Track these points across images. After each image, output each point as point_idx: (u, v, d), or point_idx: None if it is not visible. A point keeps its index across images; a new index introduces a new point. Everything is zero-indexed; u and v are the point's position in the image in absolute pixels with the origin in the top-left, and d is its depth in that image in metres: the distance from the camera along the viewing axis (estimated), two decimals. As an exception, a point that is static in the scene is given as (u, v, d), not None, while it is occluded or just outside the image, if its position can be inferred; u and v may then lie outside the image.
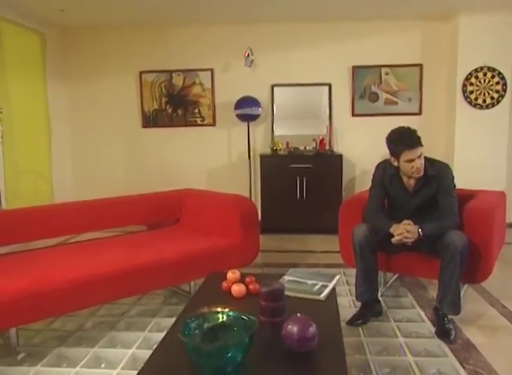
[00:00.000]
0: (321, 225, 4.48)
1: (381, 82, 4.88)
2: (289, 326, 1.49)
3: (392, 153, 2.54)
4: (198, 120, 5.09)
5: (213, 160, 5.14)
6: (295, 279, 2.17)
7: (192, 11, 4.45)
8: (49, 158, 4.76)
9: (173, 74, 5.03)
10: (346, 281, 3.18)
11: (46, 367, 2.15)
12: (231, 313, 1.55)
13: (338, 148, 4.92)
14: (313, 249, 4.15)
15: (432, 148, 3.95)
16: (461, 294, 2.47)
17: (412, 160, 2.44)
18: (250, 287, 2.01)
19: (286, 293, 1.77)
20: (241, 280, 2.07)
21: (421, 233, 2.39)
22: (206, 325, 1.52)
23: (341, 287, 3.06)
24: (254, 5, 4.26)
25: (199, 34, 4.94)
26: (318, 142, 4.74)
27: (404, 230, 2.40)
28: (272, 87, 4.96)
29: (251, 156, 4.97)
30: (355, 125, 4.95)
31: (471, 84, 4.56)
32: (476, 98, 4.57)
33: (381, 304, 2.69)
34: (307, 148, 4.77)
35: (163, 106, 5.10)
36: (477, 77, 4.54)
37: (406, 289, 3.07)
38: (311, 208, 4.59)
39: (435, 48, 4.81)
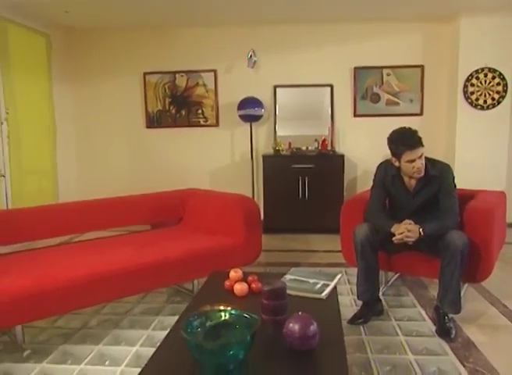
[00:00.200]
0: (323, 225, 4.50)
1: (382, 83, 4.90)
2: (291, 325, 1.50)
3: (393, 153, 2.55)
4: (201, 121, 5.12)
5: (216, 160, 5.16)
6: (297, 278, 2.18)
7: (195, 13, 4.47)
8: (54, 158, 4.79)
9: (177, 75, 5.06)
10: (348, 280, 3.20)
11: (51, 364, 2.17)
12: (233, 311, 1.57)
13: (340, 149, 4.94)
14: (315, 249, 4.16)
15: (433, 148, 3.96)
16: (462, 294, 2.48)
17: (413, 160, 2.45)
18: (253, 285, 2.02)
19: (288, 292, 1.78)
20: (243, 279, 2.08)
21: (421, 233, 2.40)
22: (208, 323, 1.53)
23: (343, 286, 3.08)
24: (256, 7, 4.28)
25: (202, 36, 4.97)
26: (320, 142, 4.75)
27: (405, 230, 2.41)
28: (275, 88, 4.98)
29: (254, 156, 4.99)
30: (357, 125, 4.96)
31: (472, 85, 4.56)
32: (477, 99, 4.58)
33: (382, 303, 2.70)
34: (310, 148, 4.78)
35: (167, 107, 5.12)
36: (478, 78, 4.55)
37: (407, 288, 3.08)
38: (313, 208, 4.60)
39: (436, 50, 4.82)
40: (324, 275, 2.24)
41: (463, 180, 2.93)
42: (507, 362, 2.12)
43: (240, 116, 4.82)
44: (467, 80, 4.57)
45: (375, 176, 2.74)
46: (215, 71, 5.02)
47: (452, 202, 2.50)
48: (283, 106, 4.99)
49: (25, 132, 4.31)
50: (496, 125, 4.60)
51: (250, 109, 4.74)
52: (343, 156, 4.60)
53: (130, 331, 2.51)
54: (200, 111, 5.10)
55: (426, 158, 2.52)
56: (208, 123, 5.11)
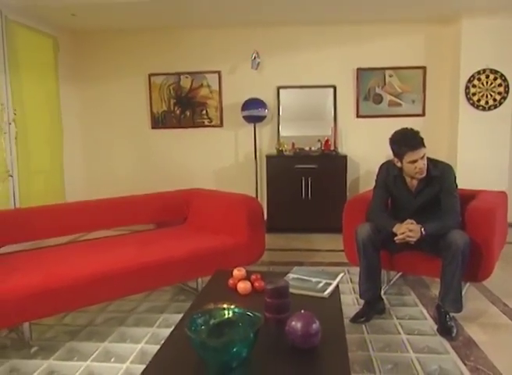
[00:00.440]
0: (326, 224, 4.50)
1: (385, 84, 4.91)
2: (293, 323, 1.51)
3: (395, 154, 2.56)
4: (206, 121, 5.15)
5: (220, 160, 5.18)
6: (299, 277, 2.19)
7: (200, 15, 4.50)
8: (61, 158, 4.83)
9: (181, 77, 5.09)
10: (350, 279, 3.21)
11: (58, 360, 2.20)
12: (236, 310, 1.58)
13: (342, 149, 4.95)
14: (318, 248, 4.18)
15: (435, 148, 3.95)
16: (463, 293, 2.49)
17: (415, 161, 2.46)
18: (256, 284, 2.03)
19: (291, 290, 1.79)
20: (247, 278, 2.09)
21: (423, 233, 2.41)
22: (212, 321, 1.55)
23: (345, 285, 3.09)
24: (260, 9, 4.30)
25: (206, 38, 4.99)
26: (323, 143, 4.76)
27: (407, 230, 2.43)
28: (278, 89, 5.00)
29: (258, 157, 5.01)
30: (359, 126, 4.98)
31: (474, 86, 4.57)
32: (479, 100, 4.58)
33: (384, 302, 2.72)
34: (313, 148, 4.79)
35: (171, 108, 5.16)
36: (479, 79, 4.55)
37: (409, 287, 3.09)
38: (315, 208, 4.62)
39: (438, 51, 4.83)
40: (326, 274, 2.25)
41: (465, 181, 2.94)
42: (508, 361, 2.13)
43: (244, 117, 4.85)
44: (469, 81, 4.57)
45: (377, 176, 2.76)
46: (219, 72, 5.05)
47: (453, 202, 2.51)
48: (287, 107, 5.01)
49: (32, 133, 4.35)
50: (498, 125, 4.61)
51: (253, 110, 4.77)
52: (345, 156, 4.62)
53: (135, 329, 2.53)
54: (204, 112, 5.13)
55: (428, 159, 2.53)
56: (212, 123, 5.14)
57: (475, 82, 4.57)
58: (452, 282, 2.38)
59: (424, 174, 2.52)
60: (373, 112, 4.95)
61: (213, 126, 5.14)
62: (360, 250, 2.57)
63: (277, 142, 4.90)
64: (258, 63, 4.89)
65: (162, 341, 1.64)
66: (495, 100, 4.57)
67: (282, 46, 4.95)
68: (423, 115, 4.92)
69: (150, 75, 5.11)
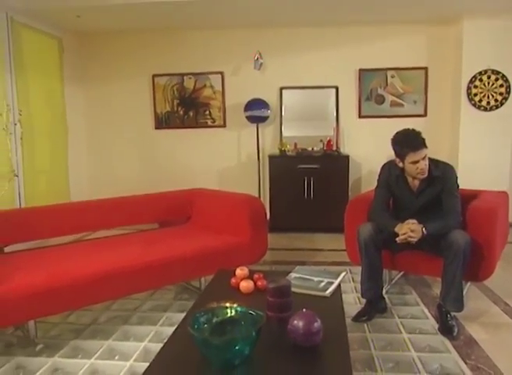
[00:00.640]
0: (328, 224, 4.51)
1: (387, 85, 4.92)
2: (295, 321, 1.52)
3: (397, 155, 2.57)
4: (209, 122, 5.17)
5: (223, 160, 5.20)
6: (301, 276, 2.20)
7: (203, 16, 4.51)
8: (66, 158, 4.86)
9: (185, 77, 5.11)
10: (352, 279, 3.23)
11: (63, 358, 2.22)
12: (239, 308, 1.59)
13: (345, 149, 4.96)
14: (320, 247, 4.19)
15: (436, 149, 3.97)
16: (464, 292, 2.51)
17: (417, 162, 2.47)
18: (258, 283, 2.04)
19: (293, 289, 1.80)
20: (249, 277, 2.10)
21: (424, 232, 2.42)
22: (215, 319, 1.56)
23: (347, 285, 3.11)
24: (263, 10, 4.32)
25: (210, 39, 5.01)
26: (326, 143, 4.77)
27: (408, 230, 2.43)
28: (281, 89, 5.02)
29: (260, 157, 5.02)
30: (361, 126, 4.99)
31: (476, 87, 4.57)
32: (480, 100, 4.59)
33: (385, 301, 2.73)
34: (315, 148, 4.81)
35: (175, 108, 5.18)
36: (481, 80, 4.56)
37: (410, 287, 3.10)
38: (318, 208, 4.63)
39: (440, 52, 4.84)
40: (328, 273, 2.26)
41: (466, 181, 2.95)
42: (509, 360, 2.14)
43: (247, 117, 4.87)
44: (471, 81, 4.58)
45: (379, 176, 2.77)
46: (222, 73, 5.07)
47: (454, 202, 2.52)
48: (289, 107, 5.02)
49: (37, 133, 4.39)
50: (499, 126, 4.61)
51: (256, 110, 4.79)
52: (347, 157, 4.63)
53: (139, 327, 2.55)
54: (207, 112, 5.15)
55: (429, 159, 2.54)
56: (216, 124, 5.16)
57: (477, 83, 4.57)
58: (453, 281, 2.39)
59: (425, 175, 2.53)
60: (375, 112, 4.96)
61: (216, 126, 5.16)
62: (362, 249, 2.58)
63: (280, 142, 4.92)
64: (261, 64, 4.90)
65: (165, 340, 1.65)
66: (496, 100, 4.58)
67: (285, 47, 4.97)
68: (425, 115, 4.92)
69: (153, 76, 5.13)
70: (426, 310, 2.72)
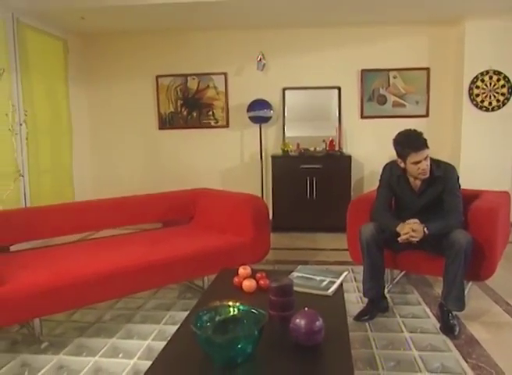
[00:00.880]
0: (331, 224, 4.53)
1: (389, 85, 4.93)
2: (297, 320, 1.52)
3: (399, 155, 2.58)
4: (212, 122, 5.19)
5: (226, 161, 5.22)
6: (304, 275, 2.21)
7: (206, 17, 4.54)
8: (70, 158, 4.90)
9: (188, 78, 5.13)
10: (354, 278, 3.23)
11: (67, 356, 2.23)
12: (241, 307, 1.60)
13: (347, 149, 4.97)
14: (322, 247, 4.19)
15: (438, 149, 3.99)
16: (466, 292, 2.51)
17: (418, 162, 2.48)
18: (261, 282, 2.05)
19: (295, 288, 1.81)
20: (252, 276, 2.11)
21: (426, 232, 2.42)
22: (218, 318, 1.57)
23: (349, 284, 3.12)
24: (265, 11, 4.33)
25: (213, 40, 5.04)
26: (328, 143, 4.78)
27: (410, 230, 2.44)
28: (284, 90, 5.03)
29: (263, 157, 5.04)
30: (364, 127, 5.00)
31: (477, 87, 4.57)
32: (482, 101, 4.59)
33: (387, 300, 2.74)
34: (317, 149, 4.82)
35: (179, 109, 5.20)
36: (483, 80, 4.56)
37: (412, 286, 3.11)
38: (320, 208, 4.64)
39: (441, 52, 4.84)
40: (330, 273, 2.27)
41: (468, 181, 2.96)
42: (510, 359, 2.14)
43: (250, 118, 4.89)
44: (473, 82, 4.58)
45: (381, 176, 2.78)
46: (225, 74, 5.09)
47: (456, 202, 2.52)
48: (292, 108, 5.04)
49: (42, 133, 4.42)
50: (501, 126, 4.61)
51: (259, 111, 4.82)
52: (350, 157, 4.64)
53: (142, 326, 2.56)
54: (210, 113, 5.17)
55: (431, 159, 2.55)
56: (219, 124, 5.18)
57: (479, 83, 4.57)
58: (454, 281, 2.40)
59: (427, 175, 2.54)
60: (377, 112, 4.97)
61: (219, 126, 5.18)
62: (364, 249, 2.59)
63: (282, 142, 4.93)
64: (264, 65, 4.92)
65: (169, 338, 1.66)
66: (498, 101, 4.58)
67: (288, 48, 4.98)
68: (427, 116, 4.93)
69: (157, 76, 5.16)
70: (428, 309, 2.72)
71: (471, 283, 2.93)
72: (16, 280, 2.21)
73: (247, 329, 1.52)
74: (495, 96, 4.57)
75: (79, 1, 4.00)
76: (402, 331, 2.45)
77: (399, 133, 2.59)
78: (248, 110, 4.86)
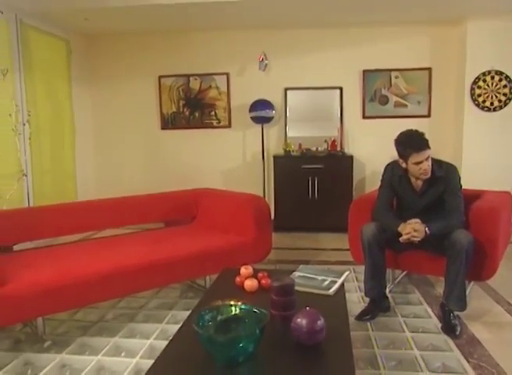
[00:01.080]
0: (332, 223, 4.53)
1: (391, 85, 4.93)
2: (299, 320, 1.53)
3: (400, 155, 2.58)
4: (214, 122, 5.20)
5: (228, 161, 5.23)
6: (305, 275, 2.22)
7: (208, 18, 4.55)
8: (73, 158, 4.91)
9: (190, 78, 5.14)
10: (356, 278, 3.24)
11: (70, 355, 2.25)
12: (243, 306, 1.61)
13: (349, 149, 4.98)
14: (324, 247, 4.20)
15: (440, 149, 3.99)
16: (467, 292, 2.51)
17: (420, 162, 2.48)
18: (262, 282, 2.06)
19: (297, 288, 1.81)
20: (254, 276, 2.12)
21: (427, 232, 2.43)
22: (219, 317, 1.58)
23: (350, 284, 3.12)
24: (268, 12, 4.34)
25: (215, 40, 5.05)
26: (330, 143, 4.79)
27: (412, 230, 2.44)
28: (286, 90, 5.04)
29: (265, 157, 5.05)
30: (365, 127, 5.00)
31: (479, 87, 4.57)
32: (484, 101, 4.58)
33: (389, 300, 2.74)
34: (319, 149, 4.82)
35: (181, 109, 5.21)
36: (485, 81, 4.55)
37: (413, 286, 3.11)
38: (322, 208, 4.65)
39: (443, 53, 4.84)
40: (332, 272, 2.28)
41: (470, 181, 2.96)
42: (511, 359, 2.15)
43: (252, 118, 4.90)
44: (474, 82, 4.58)
45: (382, 176, 2.78)
46: (227, 74, 5.10)
47: (457, 202, 2.53)
48: (294, 108, 5.04)
49: (45, 133, 4.44)
50: (503, 126, 4.60)
51: (261, 111, 4.83)
52: (351, 157, 4.64)
53: (145, 325, 2.57)
54: (213, 113, 5.18)
55: (433, 159, 2.55)
56: (221, 124, 5.19)
57: (480, 83, 4.57)
58: (456, 281, 2.40)
59: (428, 175, 2.54)
60: (379, 113, 4.97)
61: (221, 127, 5.19)
62: (366, 249, 2.60)
63: (284, 143, 4.94)
64: (266, 65, 4.93)
65: (171, 337, 1.67)
66: (500, 101, 4.58)
67: (290, 48, 4.99)
68: (428, 116, 4.93)
69: (160, 77, 5.17)
70: (429, 309, 2.73)
71: (472, 283, 2.92)
72: (19, 279, 2.22)
73: (249, 328, 1.52)
74: (496, 96, 4.57)
75: (82, 2, 4.02)
76: (403, 331, 2.45)
77: (400, 134, 2.59)
78: (250, 110, 4.87)
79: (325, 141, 4.84)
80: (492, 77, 4.56)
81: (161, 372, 1.45)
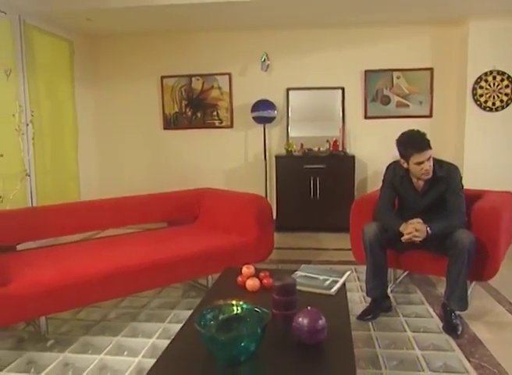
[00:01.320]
0: (334, 223, 4.53)
1: (392, 85, 4.93)
2: (300, 319, 1.53)
3: (402, 155, 2.59)
4: (216, 122, 5.21)
5: (230, 161, 5.24)
6: (307, 274, 2.22)
7: (210, 19, 4.55)
8: (76, 158, 4.93)
9: (193, 79, 5.15)
10: (358, 278, 3.24)
11: (73, 353, 2.26)
12: (245, 306, 1.61)
13: (350, 149, 4.98)
14: (326, 247, 4.20)
15: (442, 149, 3.99)
16: (469, 291, 2.51)
17: (421, 163, 2.48)
18: (264, 281, 2.06)
19: (298, 287, 1.82)
20: (255, 275, 2.12)
21: (429, 232, 2.43)
22: (221, 316, 1.59)
23: (352, 283, 3.13)
24: (269, 12, 4.34)
25: (217, 40, 5.05)
26: (332, 143, 4.79)
27: (413, 230, 2.45)
28: (287, 90, 5.04)
29: (267, 157, 5.05)
30: (367, 127, 5.00)
31: (481, 88, 4.56)
32: (486, 101, 4.57)
33: (390, 300, 2.75)
34: (321, 149, 4.82)
35: (183, 109, 5.22)
36: (486, 81, 4.55)
37: (415, 286, 3.11)
38: (324, 208, 4.65)
39: (445, 53, 4.83)
40: (333, 272, 2.28)
41: (472, 181, 2.97)
42: (512, 358, 2.15)
43: (254, 118, 4.90)
44: (476, 82, 4.57)
45: (384, 176, 2.79)
46: (229, 74, 5.10)
47: (459, 202, 2.53)
48: (296, 108, 5.05)
49: (49, 133, 4.45)
50: (504, 126, 4.59)
51: (263, 111, 4.82)
52: (353, 157, 4.65)
53: (147, 324, 2.59)
54: (215, 113, 5.19)
55: (434, 160, 2.55)
56: (223, 124, 5.20)
57: (482, 83, 4.56)
58: (457, 281, 2.41)
59: (430, 175, 2.55)
60: (381, 113, 4.97)
61: (223, 127, 5.20)
62: (367, 249, 2.60)
63: (286, 143, 4.94)
64: (268, 65, 4.93)
65: (173, 336, 1.68)
66: (502, 101, 4.57)
67: (292, 48, 4.99)
68: (430, 116, 4.92)
69: (162, 77, 5.18)
70: (431, 309, 2.73)
71: (474, 283, 2.93)
72: (22, 278, 2.24)
73: (251, 327, 1.53)
74: (498, 96, 4.56)
75: (84, 3, 4.03)
76: (405, 330, 2.46)
77: (402, 134, 2.60)
78: (252, 110, 4.87)
79: (327, 141, 4.84)
80: (494, 77, 4.55)
81: (163, 371, 1.46)
